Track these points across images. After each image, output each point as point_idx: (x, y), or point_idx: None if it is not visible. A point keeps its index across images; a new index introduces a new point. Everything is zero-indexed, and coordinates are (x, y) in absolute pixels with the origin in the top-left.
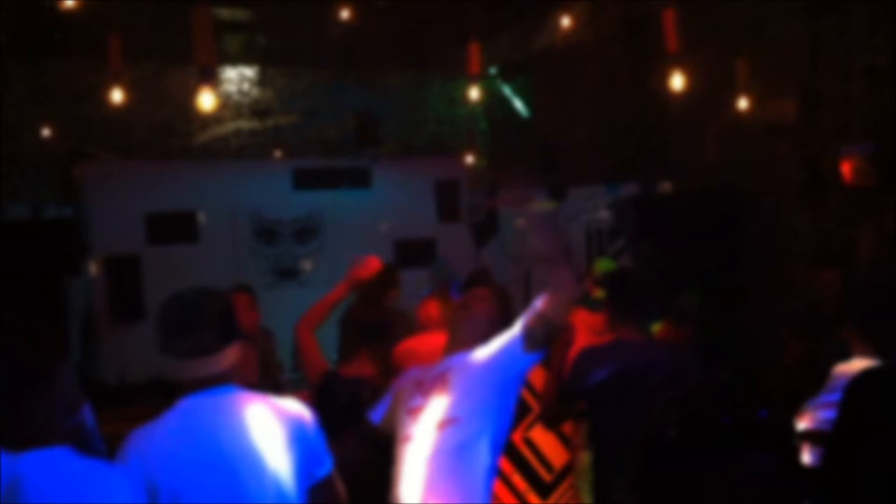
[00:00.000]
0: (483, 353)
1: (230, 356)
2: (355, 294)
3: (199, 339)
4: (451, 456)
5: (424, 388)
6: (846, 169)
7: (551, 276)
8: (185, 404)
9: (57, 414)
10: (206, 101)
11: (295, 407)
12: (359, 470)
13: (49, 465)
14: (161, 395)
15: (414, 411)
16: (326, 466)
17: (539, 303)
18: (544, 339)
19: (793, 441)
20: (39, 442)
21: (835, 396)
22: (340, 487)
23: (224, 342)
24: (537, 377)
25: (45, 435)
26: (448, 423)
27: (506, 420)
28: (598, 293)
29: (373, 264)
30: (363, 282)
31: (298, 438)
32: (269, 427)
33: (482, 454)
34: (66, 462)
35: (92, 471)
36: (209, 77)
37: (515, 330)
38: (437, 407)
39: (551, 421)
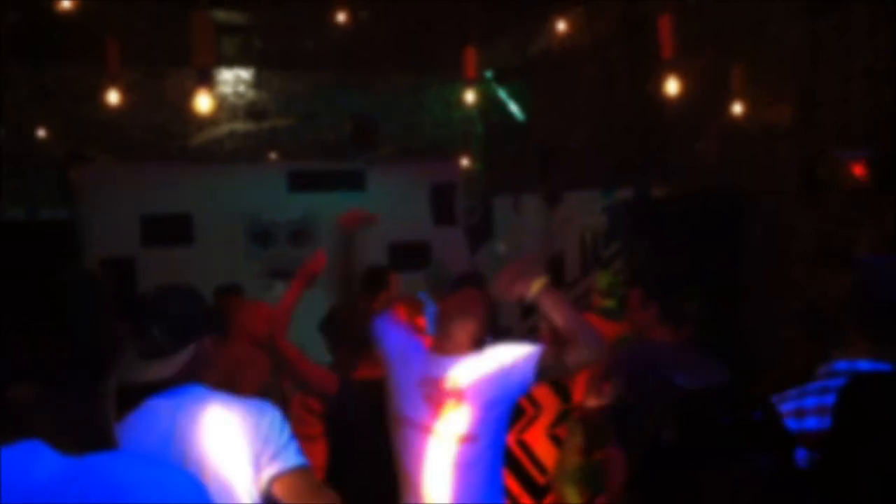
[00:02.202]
0: (492, 367)
1: (188, 357)
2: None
3: (153, 340)
4: (474, 471)
5: (436, 393)
6: (845, 172)
7: (579, 341)
8: (148, 405)
9: (112, 415)
10: (204, 103)
11: (255, 405)
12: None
13: (116, 468)
14: (135, 397)
15: (430, 400)
16: (289, 462)
17: (569, 356)
18: (555, 377)
19: (792, 441)
20: (103, 445)
21: (826, 400)
22: (317, 488)
23: (179, 343)
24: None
25: (108, 437)
26: (469, 440)
27: (507, 430)
28: (608, 302)
29: (319, 258)
30: (315, 276)
31: (254, 435)
32: (224, 426)
33: (498, 466)
34: (133, 465)
35: (160, 473)
36: (206, 79)
37: (530, 356)
38: (455, 420)
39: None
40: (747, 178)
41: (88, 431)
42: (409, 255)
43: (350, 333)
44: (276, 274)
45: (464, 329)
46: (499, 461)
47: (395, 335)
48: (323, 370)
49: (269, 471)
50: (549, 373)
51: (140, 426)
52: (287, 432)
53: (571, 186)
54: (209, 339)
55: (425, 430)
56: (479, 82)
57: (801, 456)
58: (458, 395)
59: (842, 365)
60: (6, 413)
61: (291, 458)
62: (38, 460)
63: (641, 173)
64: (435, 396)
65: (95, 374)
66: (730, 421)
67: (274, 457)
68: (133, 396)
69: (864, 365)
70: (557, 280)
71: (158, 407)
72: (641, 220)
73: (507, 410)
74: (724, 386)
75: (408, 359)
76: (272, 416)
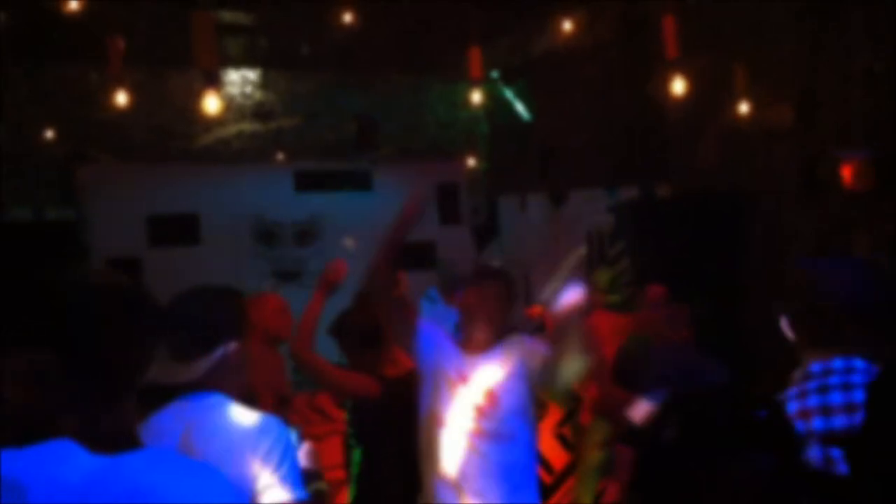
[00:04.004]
0: (514, 362)
1: (215, 360)
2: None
3: (179, 342)
4: (512, 470)
5: (468, 393)
6: (845, 173)
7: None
8: (165, 410)
9: (134, 415)
10: (211, 104)
11: (267, 426)
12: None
13: (148, 466)
14: (162, 399)
15: (463, 400)
16: (286, 495)
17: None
18: (545, 378)
19: (795, 441)
20: (128, 444)
21: (831, 398)
22: None
23: (206, 346)
24: None
25: (132, 436)
26: (504, 439)
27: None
28: (611, 298)
29: (340, 267)
30: (335, 286)
31: (259, 457)
32: (229, 442)
33: (533, 466)
34: (166, 464)
35: (193, 470)
36: (214, 81)
37: (537, 350)
38: (488, 419)
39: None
40: (747, 179)
41: (112, 431)
42: (415, 255)
43: (362, 335)
44: (282, 274)
45: (487, 327)
46: (533, 461)
47: (427, 338)
48: (359, 375)
49: (267, 498)
50: (542, 372)
51: (150, 431)
52: (292, 459)
53: (572, 186)
54: (237, 344)
55: (461, 430)
56: (484, 82)
57: (824, 455)
58: (490, 394)
59: (816, 367)
60: (34, 412)
61: (290, 490)
62: (71, 458)
63: (642, 173)
64: (468, 396)
65: (110, 376)
66: (730, 421)
67: (273, 486)
68: (160, 397)
69: (838, 363)
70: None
71: (170, 412)
72: (645, 220)
73: (532, 404)
74: (725, 386)
75: (441, 361)
76: (280, 440)
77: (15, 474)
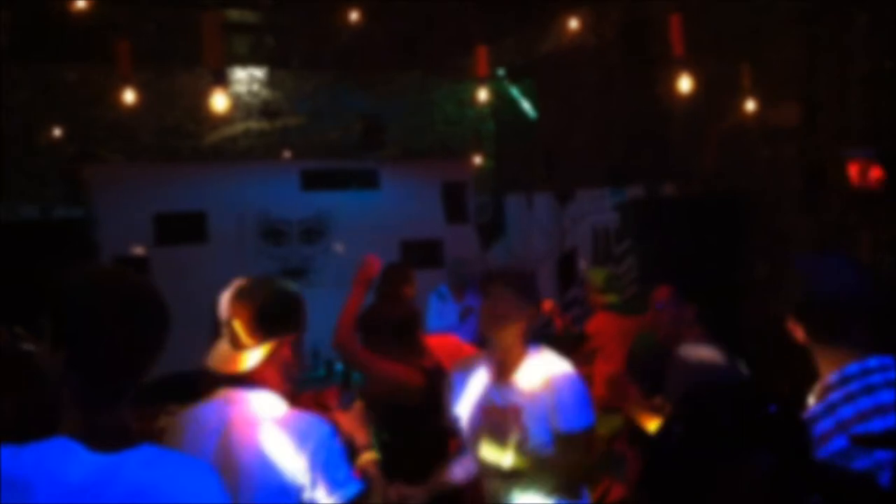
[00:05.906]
0: (542, 399)
1: (269, 352)
2: (374, 295)
3: (230, 331)
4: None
5: (498, 423)
6: (849, 173)
7: None
8: (217, 400)
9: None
10: (219, 103)
11: (312, 428)
12: None
13: (142, 463)
14: (168, 395)
15: (497, 423)
16: (346, 493)
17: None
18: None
19: (803, 440)
20: (126, 441)
21: (882, 398)
22: None
23: (261, 336)
24: None
25: (131, 433)
26: (543, 464)
27: None
28: (610, 298)
29: (374, 262)
30: (372, 281)
31: (308, 461)
32: (272, 442)
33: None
34: (157, 460)
35: (184, 467)
36: (222, 80)
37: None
38: (524, 447)
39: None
40: (749, 180)
41: (111, 430)
42: (422, 253)
43: (394, 328)
44: (288, 272)
45: (507, 343)
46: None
47: (460, 390)
48: (404, 366)
49: (316, 500)
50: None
51: (193, 421)
52: (339, 455)
53: (578, 185)
54: (294, 338)
55: (504, 462)
56: (491, 80)
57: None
58: (519, 424)
59: (853, 368)
60: (35, 411)
61: (348, 488)
62: (72, 456)
63: (647, 173)
64: (503, 430)
65: (110, 375)
66: (740, 418)
67: (331, 489)
68: (214, 383)
69: (873, 362)
70: (569, 277)
71: (215, 405)
72: (651, 219)
73: None
74: (735, 383)
75: (475, 409)
76: (324, 440)
77: (19, 472)
